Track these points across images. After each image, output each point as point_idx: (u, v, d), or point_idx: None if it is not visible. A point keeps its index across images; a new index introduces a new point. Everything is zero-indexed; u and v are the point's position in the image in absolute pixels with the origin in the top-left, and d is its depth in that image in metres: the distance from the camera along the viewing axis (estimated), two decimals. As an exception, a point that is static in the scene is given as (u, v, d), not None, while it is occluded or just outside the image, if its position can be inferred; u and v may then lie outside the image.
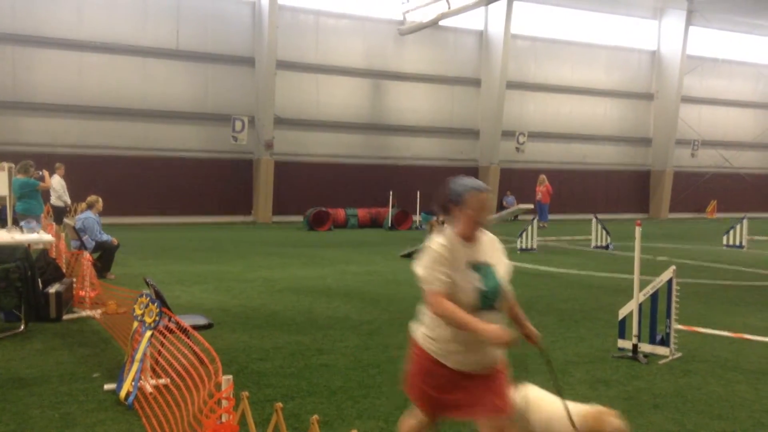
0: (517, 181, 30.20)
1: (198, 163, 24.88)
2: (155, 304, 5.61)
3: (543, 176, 25.36)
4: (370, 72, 27.61)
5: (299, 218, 24.11)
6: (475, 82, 29.64)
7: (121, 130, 23.78)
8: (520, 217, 26.86)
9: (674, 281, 7.03)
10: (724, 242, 19.35)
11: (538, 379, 4.78)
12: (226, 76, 25.20)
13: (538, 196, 24.70)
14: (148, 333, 5.55)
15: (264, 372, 6.29)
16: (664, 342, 7.08)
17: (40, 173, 13.34)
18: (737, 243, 19.06)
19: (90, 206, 12.19)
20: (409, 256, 15.26)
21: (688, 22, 32.32)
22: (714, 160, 35.40)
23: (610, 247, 17.93)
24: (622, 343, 7.20)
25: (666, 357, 6.98)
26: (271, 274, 12.46)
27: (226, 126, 24.87)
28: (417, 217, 24.33)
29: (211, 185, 25.05)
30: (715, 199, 34.88)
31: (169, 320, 5.78)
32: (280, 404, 3.11)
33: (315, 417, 2.97)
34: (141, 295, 5.83)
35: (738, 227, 19.23)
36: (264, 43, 24.81)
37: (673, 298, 7.02)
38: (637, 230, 7.24)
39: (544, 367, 4.06)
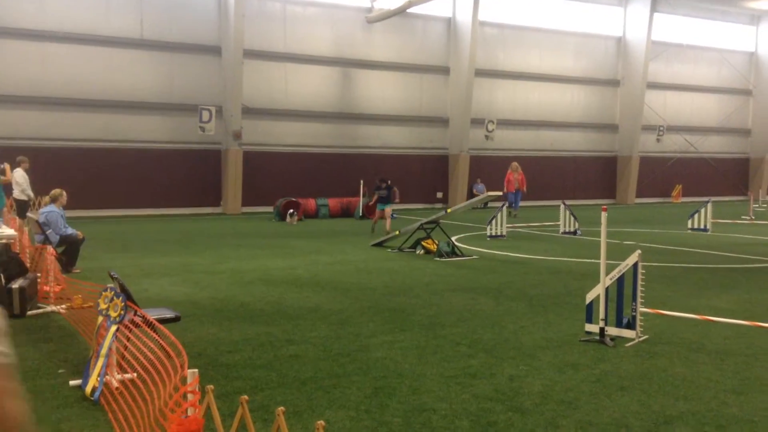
0: (486, 169, 30.35)
1: (165, 154, 24.54)
2: (120, 298, 5.53)
3: (516, 163, 25.17)
4: (339, 60, 27.46)
5: (269, 209, 23.95)
6: (444, 70, 29.65)
7: (85, 122, 23.34)
8: (489, 204, 27.02)
9: (640, 265, 7.12)
10: (689, 226, 19.71)
11: None
12: (192, 66, 24.85)
13: (516, 184, 24.33)
14: (114, 327, 5.47)
15: (233, 364, 6.25)
16: (631, 325, 7.19)
17: (1, 166, 13.05)
18: (702, 226, 19.42)
19: (53, 200, 11.96)
20: (381, 245, 15.28)
21: (653, 8, 32.67)
22: (679, 145, 35.96)
23: (578, 232, 18.13)
24: (589, 327, 7.29)
25: (632, 340, 7.09)
26: (240, 265, 12.37)
27: (192, 116, 24.55)
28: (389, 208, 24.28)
29: (178, 176, 24.74)
30: (681, 183, 35.44)
31: (135, 314, 5.71)
32: (245, 397, 3.08)
33: (281, 408, 2.95)
34: (105, 289, 5.74)
35: (702, 211, 19.59)
36: (230, 31, 24.49)
37: (639, 282, 7.12)
38: (603, 216, 7.32)
39: None
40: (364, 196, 23.75)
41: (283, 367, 6.13)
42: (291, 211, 18.12)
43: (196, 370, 3.53)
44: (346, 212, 23.97)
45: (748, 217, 23.27)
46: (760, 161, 38.44)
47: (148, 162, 24.18)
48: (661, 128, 35.00)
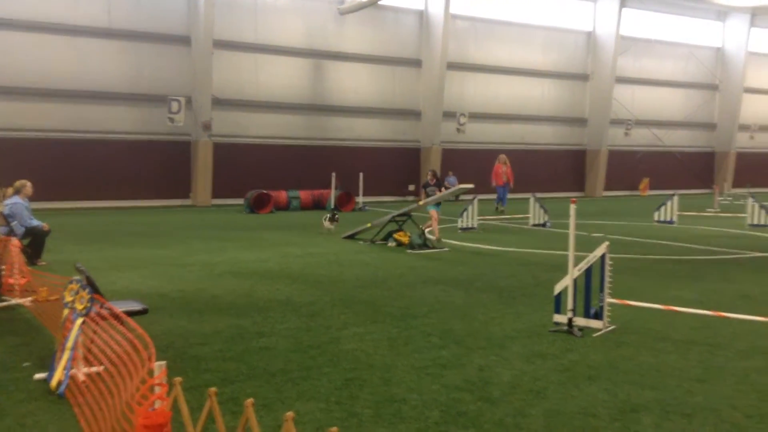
0: (458, 162, 30.46)
1: (133, 145, 24.19)
2: (86, 291, 5.44)
3: (505, 156, 24.07)
4: (311, 52, 27.30)
5: (240, 201, 23.76)
6: (416, 63, 29.66)
7: (51, 112, 22.88)
8: (461, 197, 27.13)
9: (607, 257, 7.22)
10: (656, 218, 20.03)
11: None
12: (160, 56, 24.49)
13: (505, 177, 23.24)
14: (80, 320, 5.38)
15: (202, 356, 6.20)
16: (598, 315, 7.29)
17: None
18: (668, 219, 19.76)
19: (17, 191, 11.71)
20: (353, 237, 15.26)
21: (622, 3, 33.04)
22: (647, 138, 36.48)
23: (548, 224, 18.31)
24: (557, 318, 7.37)
25: (600, 330, 7.18)
26: (210, 257, 12.25)
27: (161, 107, 24.22)
28: (360, 199, 24.29)
29: (147, 168, 24.41)
30: (648, 176, 35.98)
31: (102, 306, 5.62)
32: (213, 389, 3.06)
33: (249, 400, 2.93)
34: (71, 282, 5.64)
35: (669, 203, 19.93)
36: (200, 21, 24.19)
37: (606, 273, 7.21)
38: (572, 208, 7.40)
39: None
40: (336, 188, 23.68)
41: (253, 360, 6.10)
42: (335, 216, 16.32)
43: (164, 362, 3.49)
44: (318, 204, 23.88)
45: (713, 210, 23.71)
46: (725, 155, 39.18)
47: (116, 153, 23.82)
48: (629, 122, 35.46)
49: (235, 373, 5.73)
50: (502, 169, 23.44)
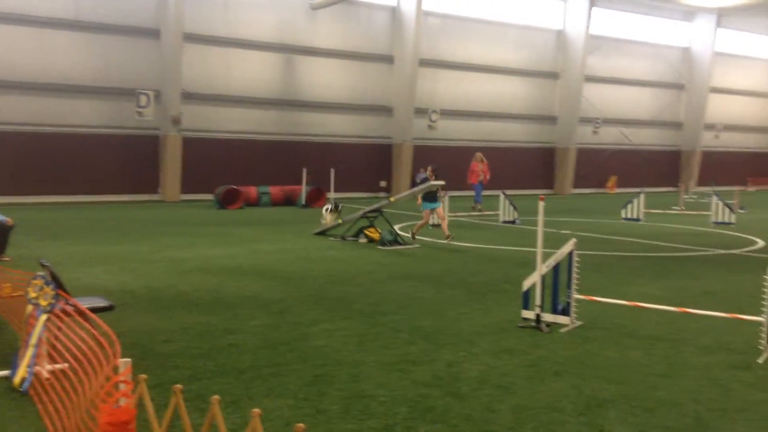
0: (430, 159, 30.42)
1: (100, 139, 23.81)
2: (50, 287, 5.35)
3: (481, 154, 23.86)
4: (282, 46, 27.13)
5: (209, 196, 23.54)
6: (388, 59, 29.65)
7: (17, 105, 22.40)
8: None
9: (574, 253, 7.31)
10: (623, 215, 20.33)
11: None
12: (129, 49, 24.12)
13: (481, 175, 22.98)
14: (44, 317, 5.29)
15: (170, 354, 6.13)
16: (566, 311, 7.37)
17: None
18: (635, 216, 20.06)
19: (-20, 185, 11.45)
20: (323, 233, 15.22)
21: (592, 2, 33.39)
22: (614, 137, 36.96)
23: (517, 221, 18.47)
24: (526, 314, 7.44)
25: (567, 326, 7.27)
26: (178, 254, 12.13)
27: (130, 101, 23.89)
28: (331, 195, 24.20)
29: (114, 162, 24.05)
30: (616, 174, 36.47)
31: (66, 303, 5.53)
32: (179, 386, 3.03)
33: (215, 397, 2.91)
34: (35, 278, 5.54)
35: (635, 201, 20.23)
36: (170, 14, 23.88)
37: (574, 270, 7.30)
38: (540, 205, 7.47)
39: None
40: (307, 184, 23.59)
41: (220, 357, 6.05)
42: (338, 206, 15.37)
43: (129, 359, 3.45)
44: (289, 200, 23.77)
45: (678, 208, 24.13)
46: (690, 154, 39.88)
47: (83, 147, 23.42)
48: (598, 121, 35.90)
49: (202, 370, 5.68)
50: (479, 167, 23.29)
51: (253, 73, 26.62)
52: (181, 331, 6.90)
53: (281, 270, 10.64)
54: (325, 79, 28.32)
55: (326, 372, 5.67)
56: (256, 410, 2.68)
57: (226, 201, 22.16)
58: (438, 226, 16.92)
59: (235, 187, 22.73)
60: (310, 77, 28.01)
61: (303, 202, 23.16)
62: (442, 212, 14.85)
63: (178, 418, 3.24)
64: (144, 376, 3.35)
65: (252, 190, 23.38)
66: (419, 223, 14.69)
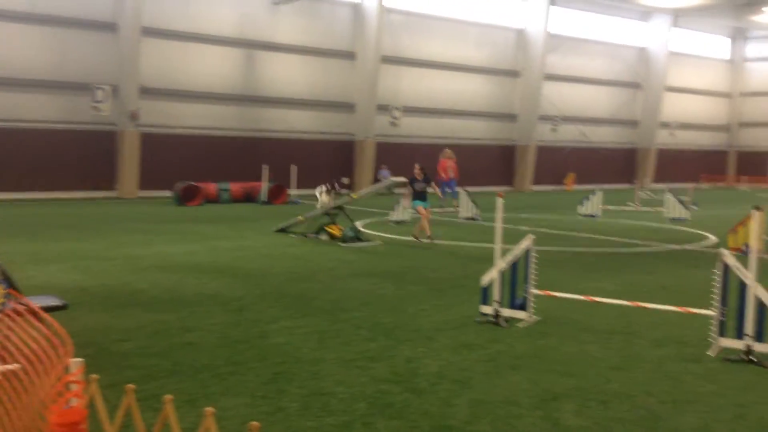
0: (392, 155, 30.58)
1: (55, 134, 23.25)
2: (2, 286, 5.22)
3: (450, 150, 23.65)
4: (243, 42, 26.87)
5: (168, 193, 23.20)
6: (350, 55, 29.60)
7: (-35, 99, 21.79)
8: (395, 190, 27.24)
9: (532, 249, 7.40)
10: (580, 212, 20.65)
11: None
12: (85, 42, 23.61)
13: (451, 172, 22.62)
14: (-7, 317, 5.15)
15: (125, 353, 6.04)
16: (523, 306, 7.47)
17: None
18: (592, 212, 20.40)
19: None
20: (284, 230, 15.13)
21: (551, 1, 33.83)
22: (573, 135, 37.53)
23: (478, 218, 18.63)
24: (484, 309, 7.51)
25: (525, 321, 7.37)
26: (135, 251, 11.93)
27: (86, 95, 23.38)
28: (292, 191, 24.08)
29: (70, 158, 23.52)
30: (574, 171, 37.04)
31: (18, 302, 5.40)
32: (131, 386, 2.99)
33: (168, 396, 2.87)
34: (-16, 277, 5.40)
35: (592, 198, 20.59)
36: (127, 7, 23.45)
37: (531, 266, 7.40)
38: (499, 201, 7.56)
39: None
40: (268, 181, 23.41)
41: (177, 355, 5.98)
42: (335, 186, 13.12)
43: (81, 359, 3.38)
44: (249, 197, 23.56)
45: (634, 204, 24.62)
46: (646, 151, 40.72)
47: (38, 143, 22.85)
48: (557, 118, 36.40)
49: (158, 369, 5.61)
50: (448, 164, 23.02)
51: (213, 68, 26.31)
52: (137, 329, 6.80)
53: (241, 267, 10.56)
54: (286, 74, 28.14)
55: (285, 370, 5.65)
56: (210, 409, 2.66)
57: (185, 198, 21.86)
58: (403, 223, 17.00)
59: (194, 183, 22.44)
60: (271, 73, 27.80)
61: (264, 198, 22.99)
62: (424, 211, 14.22)
63: (132, 418, 3.20)
64: (95, 376, 3.29)
65: (212, 187, 23.11)
66: (421, 222, 13.95)
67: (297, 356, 6.03)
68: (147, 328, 6.84)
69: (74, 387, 3.15)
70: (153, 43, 24.61)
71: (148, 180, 24.63)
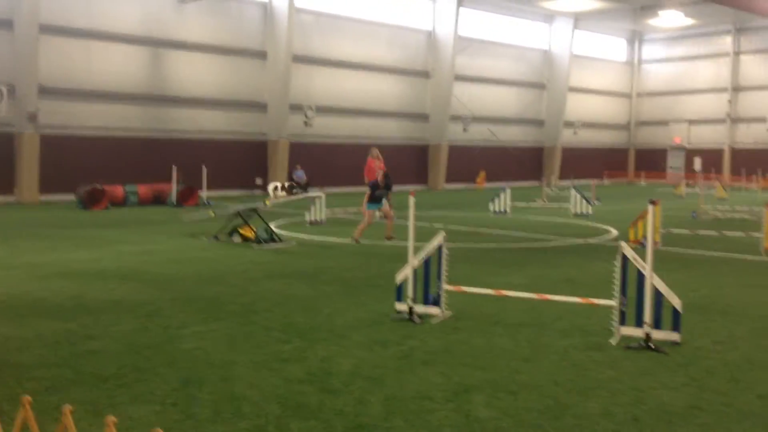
0: (306, 156, 30.43)
1: (-56, 136, 21.88)
2: None
3: (377, 150, 22.31)
4: (149, 40, 26.06)
5: (71, 197, 22.22)
6: (261, 55, 29.23)
7: None
8: (309, 192, 27.12)
9: (444, 246, 7.54)
10: (491, 209, 21.20)
11: None
12: (-24, 39, 22.31)
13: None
14: None
15: (24, 364, 5.74)
16: (436, 302, 7.60)
17: None
18: (502, 209, 20.98)
19: None
20: (196, 222, 14.72)
21: (460, 3, 34.54)
22: (483, 134, 38.46)
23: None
24: (399, 306, 7.59)
25: (438, 316, 7.50)
26: (36, 258, 11.37)
27: (-22, 95, 22.08)
28: (203, 193, 23.55)
29: (-38, 162, 22.18)
30: (485, 170, 37.98)
31: None
32: (27, 398, 2.85)
33: (67, 407, 2.75)
34: None
35: (502, 195, 21.17)
36: (24, 3, 22.29)
37: (444, 262, 7.54)
38: (411, 200, 7.66)
39: None
40: (178, 182, 22.79)
41: (81, 364, 5.74)
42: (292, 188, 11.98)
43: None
44: (159, 200, 22.88)
45: (541, 201, 25.48)
46: (552, 150, 42.23)
47: (-76, 145, 21.42)
48: (467, 118, 37.20)
49: (60, 379, 5.37)
50: (375, 164, 22.78)
51: (117, 66, 25.40)
52: (38, 339, 6.48)
53: (149, 272, 10.24)
54: (195, 74, 27.51)
55: (196, 375, 5.52)
56: (111, 418, 2.57)
57: (90, 201, 20.98)
58: (318, 224, 16.95)
59: (99, 186, 21.58)
60: (179, 72, 27.10)
61: (173, 201, 22.38)
62: (389, 210, 14.42)
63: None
64: (-12, 389, 3.12)
65: (118, 190, 22.29)
66: (361, 225, 14.09)
67: (208, 361, 5.91)
68: (49, 338, 6.53)
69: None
70: (52, 40, 23.52)
71: (49, 184, 23.50)
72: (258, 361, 5.90)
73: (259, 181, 29.61)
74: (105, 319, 7.29)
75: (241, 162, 28.86)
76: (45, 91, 23.38)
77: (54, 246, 12.87)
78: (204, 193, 23.58)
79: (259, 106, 29.48)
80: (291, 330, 6.98)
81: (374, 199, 14.15)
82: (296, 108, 30.08)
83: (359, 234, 13.97)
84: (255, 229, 13.73)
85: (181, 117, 27.28)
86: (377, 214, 14.24)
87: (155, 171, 24.85)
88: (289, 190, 13.56)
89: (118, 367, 5.71)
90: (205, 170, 23.66)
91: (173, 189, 22.57)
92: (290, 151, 29.81)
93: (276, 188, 14.48)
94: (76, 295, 8.51)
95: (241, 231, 13.94)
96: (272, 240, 13.54)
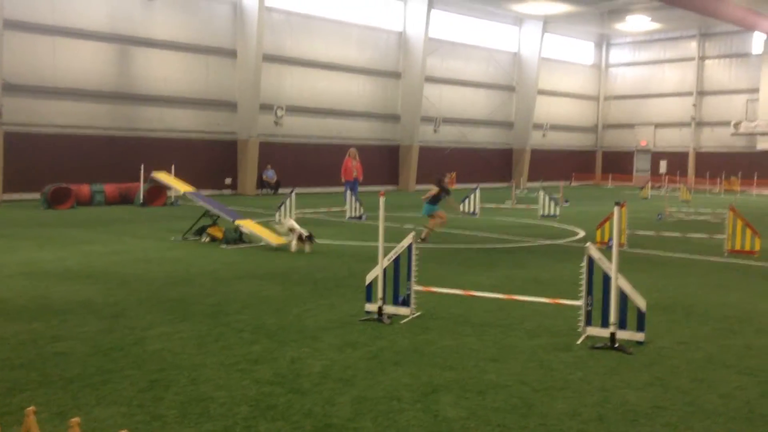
0: (277, 155, 30.30)
1: None
2: None
3: (355, 150, 22.84)
4: (116, 37, 25.70)
5: (36, 196, 21.81)
6: (231, 53, 29.02)
7: None
8: (279, 191, 27.07)
9: (413, 246, 7.57)
10: (461, 210, 21.30)
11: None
12: (-63, 33, 21.78)
13: (355, 172, 21.77)
14: None
15: (-14, 367, 5.63)
16: (406, 303, 7.63)
17: None
18: (471, 210, 21.12)
19: None
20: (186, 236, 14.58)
21: (430, 5, 34.69)
22: (453, 135, 38.68)
23: (363, 217, 18.82)
24: (369, 307, 7.61)
25: (407, 316, 7.53)
26: (-1, 258, 11.15)
27: (-61, 91, 21.57)
28: (172, 193, 23.28)
29: None
30: (455, 171, 38.17)
31: None
32: (-9, 400, 2.80)
33: (30, 408, 2.72)
34: None
35: (472, 196, 21.32)
36: (-15, -3, 21.84)
37: (413, 262, 7.57)
38: (381, 200, 7.68)
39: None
40: (145, 181, 22.50)
41: (46, 366, 5.65)
42: (307, 235, 12.53)
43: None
44: (126, 199, 22.58)
45: (510, 202, 25.70)
46: (521, 152, 42.63)
47: None
48: (438, 120, 37.38)
49: (24, 381, 5.27)
50: (352, 164, 22.07)
51: (83, 63, 25.01)
52: (1, 340, 6.35)
53: (116, 272, 10.10)
54: (164, 72, 27.20)
55: (163, 377, 5.47)
56: (75, 419, 2.54)
57: (55, 200, 20.62)
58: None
59: (64, 185, 21.22)
60: (147, 70, 26.77)
61: (141, 200, 22.10)
62: (443, 213, 15.19)
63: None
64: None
65: (84, 189, 21.95)
66: (435, 222, 14.94)
67: (175, 362, 5.85)
68: (11, 339, 6.41)
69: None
70: (16, 36, 23.08)
71: (13, 182, 23.03)
72: (227, 363, 5.86)
73: (228, 180, 29.39)
74: (71, 320, 7.18)
75: (211, 161, 28.63)
76: (9, 88, 22.92)
77: (17, 246, 12.63)
78: (172, 193, 23.32)
79: (229, 105, 29.26)
80: (260, 331, 6.95)
81: (434, 201, 15.01)
82: (267, 107, 29.93)
83: (428, 233, 14.80)
84: (224, 229, 13.63)
85: (150, 115, 26.96)
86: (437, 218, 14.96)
87: (123, 170, 24.54)
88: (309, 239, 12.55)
89: (84, 368, 5.63)
90: (173, 169, 23.38)
91: (140, 188, 22.29)
92: (260, 150, 29.64)
93: (293, 231, 12.98)
94: (40, 296, 8.37)
95: (210, 231, 13.84)
96: (241, 240, 13.46)
